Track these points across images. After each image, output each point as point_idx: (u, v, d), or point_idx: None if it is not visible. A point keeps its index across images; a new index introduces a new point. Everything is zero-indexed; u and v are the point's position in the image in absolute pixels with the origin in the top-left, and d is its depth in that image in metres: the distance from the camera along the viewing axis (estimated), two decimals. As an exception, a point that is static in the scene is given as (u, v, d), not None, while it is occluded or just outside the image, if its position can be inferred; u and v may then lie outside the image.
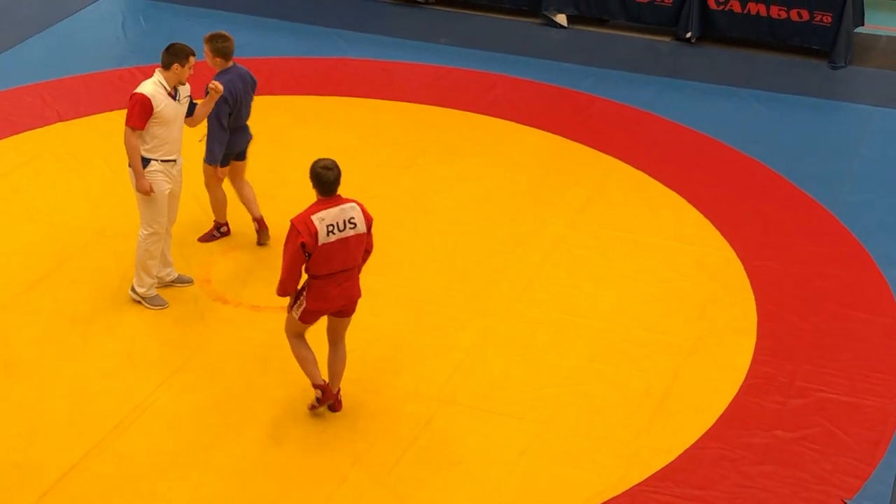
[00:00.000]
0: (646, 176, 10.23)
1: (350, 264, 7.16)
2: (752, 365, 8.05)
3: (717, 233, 9.47)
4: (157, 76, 8.02)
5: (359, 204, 7.18)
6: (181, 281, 8.62)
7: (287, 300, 7.41)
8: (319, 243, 6.95)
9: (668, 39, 13.00)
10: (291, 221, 7.01)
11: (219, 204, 9.08)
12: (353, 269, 7.24)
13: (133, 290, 8.42)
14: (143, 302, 8.39)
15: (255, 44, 12.36)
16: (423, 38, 12.85)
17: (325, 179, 6.98)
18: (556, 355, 8.11)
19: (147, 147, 8.00)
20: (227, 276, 8.80)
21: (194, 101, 8.35)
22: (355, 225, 7.07)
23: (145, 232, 8.20)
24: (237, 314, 8.41)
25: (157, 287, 8.47)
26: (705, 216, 9.67)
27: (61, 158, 10.23)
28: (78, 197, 9.69)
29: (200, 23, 12.92)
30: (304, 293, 7.20)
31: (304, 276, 7.23)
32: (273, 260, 8.20)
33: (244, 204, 9.10)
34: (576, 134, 10.86)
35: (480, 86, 11.75)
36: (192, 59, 8.04)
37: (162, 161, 8.08)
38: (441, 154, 10.53)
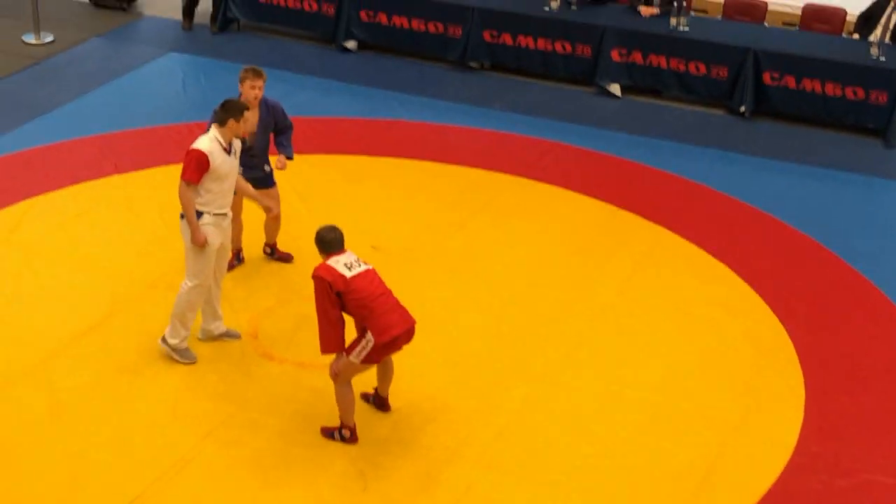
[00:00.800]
0: (695, 247, 10.20)
1: (387, 289, 7.47)
2: (798, 442, 7.95)
3: (766, 307, 9.40)
4: (213, 132, 8.10)
5: None
6: (229, 335, 8.67)
7: (331, 357, 7.53)
8: (348, 277, 7.30)
9: (721, 112, 13.02)
10: (312, 276, 7.38)
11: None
12: (393, 296, 7.49)
13: (164, 340, 8.41)
14: (172, 354, 8.40)
15: (312, 103, 12.53)
16: (478, 102, 12.96)
17: (328, 238, 7.48)
18: (601, 424, 8.06)
19: (201, 201, 8.08)
20: (274, 332, 8.84)
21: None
22: (363, 263, 7.48)
23: (191, 284, 8.24)
24: (282, 371, 8.44)
25: (205, 340, 8.54)
26: (754, 289, 9.61)
27: (117, 210, 10.37)
28: (131, 249, 9.80)
29: (258, 81, 13.14)
30: (368, 332, 7.35)
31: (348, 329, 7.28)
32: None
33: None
34: (626, 202, 10.87)
35: (533, 152, 11.81)
36: (247, 114, 8.14)
37: (214, 215, 8.16)
38: (491, 218, 10.56)
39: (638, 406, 8.24)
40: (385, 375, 7.89)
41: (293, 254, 9.65)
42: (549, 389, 8.39)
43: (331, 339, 7.45)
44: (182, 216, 8.14)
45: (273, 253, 9.68)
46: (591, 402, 8.27)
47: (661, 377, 8.56)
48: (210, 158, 7.97)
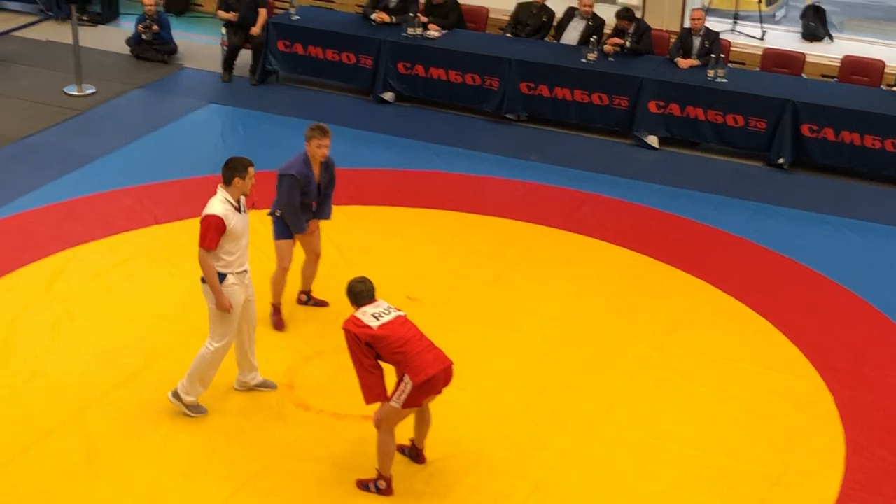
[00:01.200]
0: (734, 300, 10.13)
1: (419, 332, 7.49)
2: (838, 499, 7.83)
3: (806, 361, 9.30)
4: (222, 193, 8.04)
5: None
6: (265, 385, 8.67)
7: (375, 407, 7.54)
8: (375, 328, 7.32)
9: (759, 164, 12.98)
10: (342, 328, 7.46)
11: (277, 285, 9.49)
12: (427, 338, 7.50)
13: (176, 395, 8.34)
14: (185, 410, 8.33)
15: (348, 154, 12.57)
16: (514, 154, 12.99)
17: (357, 290, 7.53)
18: (638, 479, 7.97)
19: (221, 263, 8.04)
20: (310, 383, 8.83)
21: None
22: (393, 311, 7.51)
23: (217, 345, 8.20)
24: (319, 421, 8.42)
25: (241, 391, 8.54)
26: (794, 343, 9.52)
27: (155, 260, 10.43)
28: (169, 298, 9.85)
29: (297, 133, 13.19)
30: (405, 377, 7.36)
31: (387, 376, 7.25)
32: (357, 369, 8.22)
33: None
34: (664, 254, 10.83)
35: (569, 203, 11.80)
36: (251, 170, 8.07)
37: (237, 274, 8.14)
38: (528, 269, 10.55)
39: (676, 460, 8.16)
40: (422, 425, 7.86)
41: (332, 303, 9.65)
42: (586, 442, 8.32)
43: (371, 388, 7.47)
44: (203, 280, 8.13)
45: (309, 300, 9.72)
46: (628, 455, 8.19)
47: (700, 431, 8.47)
48: (226, 222, 7.96)
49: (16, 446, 8.02)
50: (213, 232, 7.94)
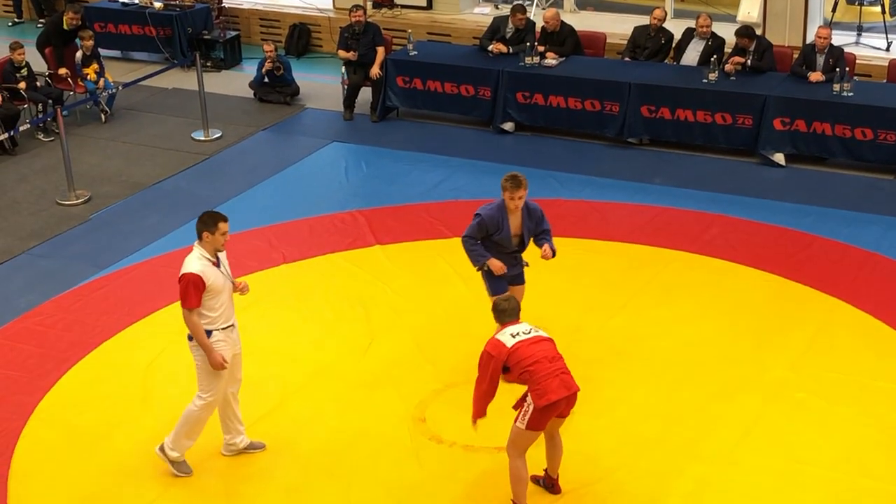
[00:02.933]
0: (871, 318, 9.86)
1: (553, 352, 7.50)
2: None
3: (951, 378, 9.02)
4: (197, 249, 7.94)
5: None
6: (254, 447, 8.50)
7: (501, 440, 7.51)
8: (509, 346, 7.40)
9: (891, 178, 12.64)
10: (484, 349, 7.54)
11: None
12: (561, 360, 7.50)
13: (163, 450, 8.24)
14: (170, 466, 8.23)
15: (470, 186, 12.62)
16: (637, 178, 12.89)
17: (502, 308, 7.67)
18: (779, 505, 7.80)
19: (206, 321, 7.94)
20: (441, 415, 8.84)
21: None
22: (534, 331, 7.55)
23: (202, 402, 8.11)
24: (450, 453, 8.42)
25: (229, 455, 8.43)
26: (937, 361, 9.24)
27: (285, 299, 10.58)
28: (301, 337, 9.97)
29: (418, 167, 13.36)
30: (528, 397, 7.38)
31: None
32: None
33: None
34: (796, 274, 10.60)
35: (696, 225, 11.65)
36: (221, 225, 7.90)
37: (222, 329, 8.06)
38: (656, 295, 10.42)
39: (817, 484, 7.95)
40: (554, 454, 7.81)
41: (462, 336, 9.64)
42: (724, 469, 8.16)
43: (479, 405, 7.64)
44: (190, 338, 8.00)
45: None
46: (768, 481, 8.01)
47: (841, 454, 8.24)
48: (203, 278, 7.84)
49: (158, 486, 8.19)
50: (193, 290, 7.81)
